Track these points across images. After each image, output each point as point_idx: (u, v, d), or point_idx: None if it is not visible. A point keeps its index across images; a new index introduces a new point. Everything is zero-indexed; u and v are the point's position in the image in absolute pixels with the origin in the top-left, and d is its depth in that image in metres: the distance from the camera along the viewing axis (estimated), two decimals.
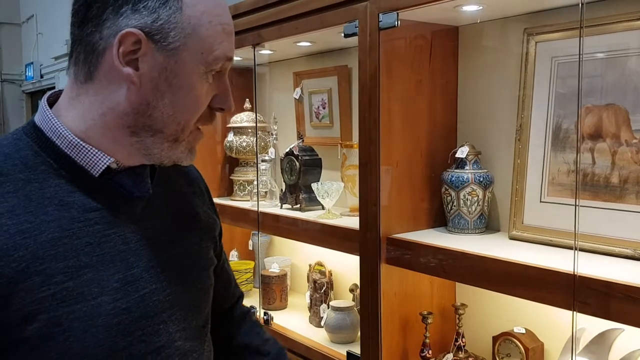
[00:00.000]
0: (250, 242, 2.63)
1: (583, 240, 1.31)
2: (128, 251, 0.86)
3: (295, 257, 2.52)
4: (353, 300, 2.05)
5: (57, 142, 0.84)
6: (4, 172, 0.80)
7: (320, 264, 2.26)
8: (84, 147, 0.84)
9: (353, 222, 1.74)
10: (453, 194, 1.59)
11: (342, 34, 1.64)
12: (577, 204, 1.31)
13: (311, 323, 2.18)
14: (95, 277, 0.81)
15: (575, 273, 1.17)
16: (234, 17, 1.99)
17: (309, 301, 2.23)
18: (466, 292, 1.73)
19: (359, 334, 1.69)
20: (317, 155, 2.19)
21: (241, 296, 1.23)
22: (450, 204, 1.61)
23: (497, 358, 1.53)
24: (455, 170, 1.60)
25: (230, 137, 2.52)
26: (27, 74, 7.55)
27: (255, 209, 2.18)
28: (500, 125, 1.63)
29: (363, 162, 1.60)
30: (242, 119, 2.50)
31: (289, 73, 2.43)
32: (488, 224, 1.64)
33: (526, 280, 1.26)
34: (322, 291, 2.16)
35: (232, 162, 2.62)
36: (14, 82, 7.98)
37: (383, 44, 1.53)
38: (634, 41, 1.29)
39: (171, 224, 0.96)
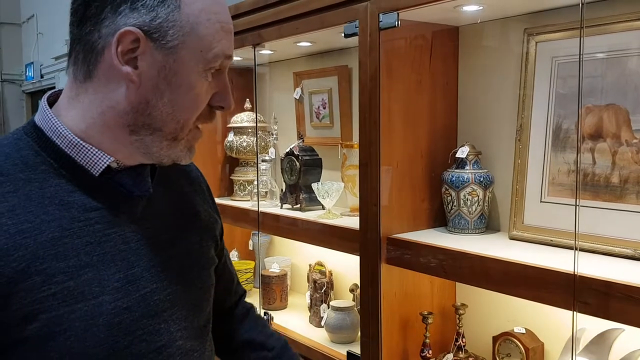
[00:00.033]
0: (251, 242, 2.63)
1: (583, 240, 1.31)
2: (129, 250, 0.86)
3: (296, 257, 2.52)
4: (353, 300, 2.05)
5: (57, 141, 0.84)
6: (4, 172, 0.81)
7: (320, 264, 2.26)
8: (84, 146, 0.84)
9: (353, 222, 1.74)
10: (453, 194, 1.59)
11: (343, 34, 1.64)
12: (577, 204, 1.31)
13: (311, 323, 2.18)
14: (96, 277, 0.81)
15: (576, 273, 1.17)
16: (235, 17, 2.01)
17: (309, 301, 2.23)
18: (466, 292, 1.73)
19: (359, 334, 1.69)
20: (318, 155, 2.19)
21: (244, 294, 1.23)
22: (451, 204, 1.61)
23: (498, 358, 1.53)
24: (455, 170, 1.60)
25: (231, 137, 2.52)
26: (27, 74, 7.55)
27: (256, 209, 2.19)
28: (500, 126, 1.63)
29: (363, 162, 1.60)
30: (243, 119, 2.50)
31: (289, 73, 2.43)
32: (488, 224, 1.64)
33: (526, 280, 1.26)
34: (322, 291, 2.16)
35: (233, 162, 2.62)
36: (14, 82, 7.98)
37: (383, 44, 1.53)
38: (634, 41, 1.29)
39: (171, 223, 0.96)
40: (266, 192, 2.33)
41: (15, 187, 0.80)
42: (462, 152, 1.60)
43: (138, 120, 0.84)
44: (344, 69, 2.16)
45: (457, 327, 1.64)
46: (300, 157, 2.15)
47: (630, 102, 1.30)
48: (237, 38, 2.02)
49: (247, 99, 2.51)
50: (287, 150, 2.21)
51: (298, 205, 2.15)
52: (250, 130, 2.49)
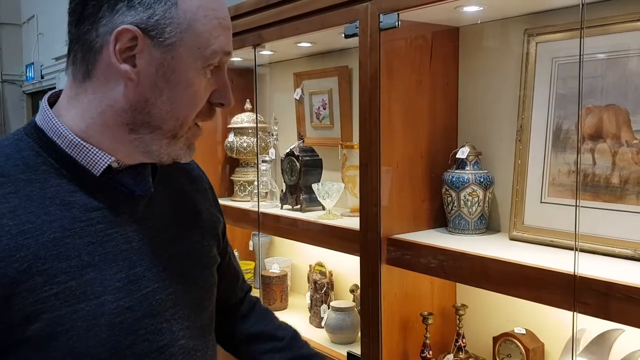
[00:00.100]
0: (251, 243, 2.63)
1: (583, 240, 1.31)
2: (130, 250, 0.86)
3: (296, 257, 2.52)
4: (353, 300, 2.05)
5: (57, 141, 0.84)
6: (5, 173, 0.81)
7: (320, 265, 2.26)
8: (84, 146, 0.84)
9: (353, 223, 1.74)
10: (453, 194, 1.59)
11: (343, 35, 1.64)
12: (577, 204, 1.31)
13: (311, 323, 2.18)
14: (98, 277, 0.81)
15: (576, 273, 1.17)
16: (235, 17, 2.01)
17: (309, 302, 2.23)
18: (466, 293, 1.73)
19: (360, 334, 1.69)
20: (318, 155, 2.19)
21: (249, 289, 1.24)
22: (451, 204, 1.61)
23: (498, 358, 1.53)
24: (455, 171, 1.60)
25: (231, 137, 2.53)
26: (27, 74, 7.56)
27: (256, 209, 2.19)
28: (500, 126, 1.63)
29: (363, 163, 1.60)
30: (243, 119, 2.50)
31: (289, 74, 2.43)
32: (488, 225, 1.64)
33: (526, 281, 1.26)
34: (323, 292, 2.16)
35: (233, 163, 2.62)
36: (14, 82, 7.99)
37: (384, 44, 1.53)
38: (634, 42, 1.29)
39: (173, 222, 0.96)
40: (266, 193, 2.34)
41: (17, 187, 0.80)
42: (463, 153, 1.60)
43: (137, 118, 0.84)
44: (344, 69, 2.16)
45: (458, 328, 1.64)
46: (300, 158, 2.15)
47: (631, 102, 1.30)
48: (238, 38, 2.02)
49: (248, 100, 2.51)
50: (288, 150, 2.21)
51: (298, 206, 2.15)
52: (250, 131, 2.49)
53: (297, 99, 2.38)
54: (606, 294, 1.12)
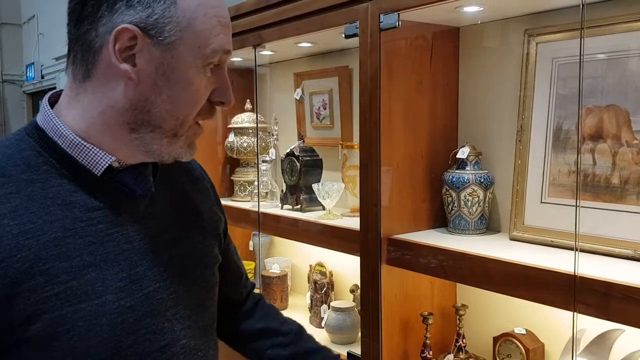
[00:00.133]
0: (251, 243, 2.64)
1: (583, 241, 1.31)
2: (131, 250, 0.86)
3: (296, 257, 2.52)
4: (353, 300, 2.05)
5: (58, 142, 0.84)
6: (6, 173, 0.81)
7: (320, 265, 2.26)
8: (85, 146, 0.84)
9: (354, 223, 1.74)
10: (454, 194, 1.59)
11: (343, 35, 1.64)
12: (577, 204, 1.31)
13: (312, 324, 2.18)
14: (99, 276, 0.81)
15: (576, 274, 1.17)
16: (235, 17, 2.01)
17: (309, 302, 2.23)
18: (467, 293, 1.73)
19: (360, 334, 1.69)
20: (318, 155, 2.19)
21: (253, 287, 1.24)
22: (451, 204, 1.61)
23: (498, 359, 1.53)
24: (456, 171, 1.60)
25: (231, 137, 2.53)
26: (28, 74, 7.56)
27: (256, 209, 2.19)
28: (501, 126, 1.63)
29: (364, 163, 1.60)
30: (243, 119, 2.50)
31: (289, 74, 2.43)
32: (489, 225, 1.64)
33: (527, 281, 1.26)
34: (323, 292, 2.16)
35: (233, 163, 2.62)
36: (14, 82, 7.99)
37: (384, 44, 1.53)
38: (634, 42, 1.29)
39: (174, 222, 0.96)
40: (266, 193, 2.34)
41: (18, 188, 0.80)
42: (463, 153, 1.60)
43: (137, 117, 0.84)
44: (345, 69, 2.16)
45: (458, 328, 1.64)
46: (300, 158, 2.15)
47: (631, 103, 1.30)
48: (238, 39, 2.02)
49: (248, 100, 2.51)
50: (288, 150, 2.21)
51: (298, 206, 2.15)
52: (250, 131, 2.49)
53: (298, 99, 2.38)
54: (606, 294, 1.12)
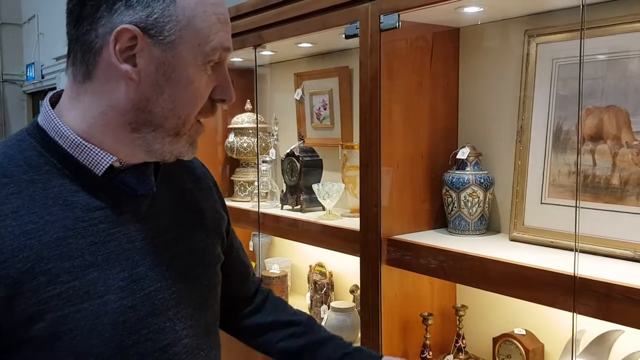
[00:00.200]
0: (251, 243, 2.63)
1: (583, 241, 1.31)
2: (133, 249, 0.86)
3: (296, 258, 2.52)
4: (353, 301, 2.05)
5: (60, 142, 0.84)
6: (7, 174, 0.81)
7: (320, 265, 2.26)
8: (86, 146, 0.84)
9: (354, 223, 1.74)
10: (454, 195, 1.59)
11: (343, 35, 1.64)
12: (577, 205, 1.31)
13: None
14: (101, 276, 0.81)
15: (576, 274, 1.17)
16: (236, 18, 2.01)
17: (309, 302, 2.23)
18: (466, 294, 1.73)
19: (360, 335, 1.69)
20: (318, 156, 2.19)
21: (260, 282, 1.24)
22: (451, 205, 1.61)
23: (498, 359, 1.53)
24: (456, 172, 1.60)
25: (231, 138, 2.53)
26: (28, 74, 7.56)
27: (256, 209, 2.19)
28: (501, 127, 1.63)
29: (364, 163, 1.60)
30: (243, 119, 2.50)
31: (289, 74, 2.43)
32: (489, 226, 1.64)
33: (526, 282, 1.26)
34: (323, 292, 2.16)
35: (233, 163, 2.62)
36: (15, 82, 7.99)
37: (384, 45, 1.53)
38: (634, 43, 1.29)
39: (176, 221, 0.96)
40: (267, 193, 2.34)
41: (19, 188, 0.80)
42: (463, 154, 1.60)
43: (139, 117, 0.84)
44: (345, 70, 2.17)
45: (457, 329, 1.65)
46: (300, 158, 2.15)
47: (631, 103, 1.30)
48: (238, 39, 2.03)
49: (248, 100, 2.51)
50: (288, 151, 2.21)
51: (298, 206, 2.15)
52: (250, 131, 2.50)
53: (298, 99, 2.38)
54: (606, 294, 1.12)
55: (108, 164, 0.85)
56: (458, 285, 1.75)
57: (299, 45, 2.11)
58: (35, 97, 7.80)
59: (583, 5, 1.21)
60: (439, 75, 1.69)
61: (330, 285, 2.18)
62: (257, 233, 2.42)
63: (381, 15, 1.51)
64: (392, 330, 1.62)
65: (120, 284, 0.83)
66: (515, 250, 1.43)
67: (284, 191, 2.24)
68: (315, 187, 2.02)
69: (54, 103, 0.89)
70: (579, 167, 1.38)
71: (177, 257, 0.93)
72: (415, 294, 1.67)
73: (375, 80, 1.55)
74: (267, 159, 2.41)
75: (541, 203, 1.47)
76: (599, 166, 1.35)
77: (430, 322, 1.62)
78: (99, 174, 0.85)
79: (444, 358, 1.65)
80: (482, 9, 1.51)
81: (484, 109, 1.68)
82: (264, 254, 2.60)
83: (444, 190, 1.63)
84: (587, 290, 1.15)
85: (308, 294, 2.24)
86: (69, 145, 0.84)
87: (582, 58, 1.25)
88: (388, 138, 1.57)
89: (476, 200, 1.58)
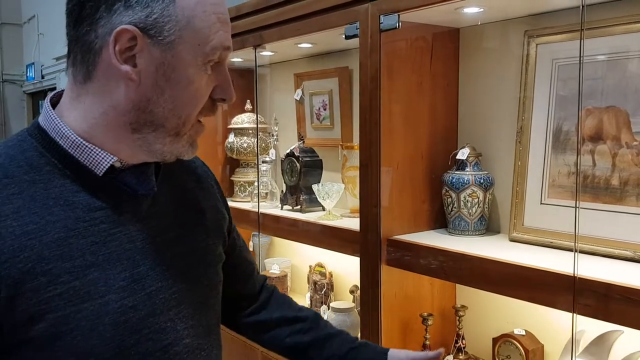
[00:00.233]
0: (251, 243, 2.63)
1: (583, 242, 1.31)
2: (134, 249, 0.86)
3: (296, 258, 2.52)
4: (353, 301, 2.05)
5: (60, 142, 0.84)
6: (9, 174, 0.81)
7: (320, 265, 2.26)
8: (87, 146, 0.84)
9: (353, 224, 1.74)
10: (453, 195, 1.59)
11: (343, 36, 1.64)
12: (577, 206, 1.31)
13: None
14: (102, 276, 0.81)
15: (576, 275, 1.18)
16: (236, 18, 2.01)
17: (309, 302, 2.23)
18: (466, 294, 1.73)
19: (359, 335, 1.69)
20: (318, 156, 2.20)
21: (265, 279, 1.24)
22: (451, 205, 1.61)
23: (497, 359, 1.53)
24: (455, 172, 1.60)
25: (231, 138, 2.53)
26: (28, 74, 7.56)
27: (256, 210, 2.19)
28: (500, 127, 1.63)
29: (364, 164, 1.60)
30: (243, 120, 2.50)
31: (289, 74, 2.43)
32: (488, 226, 1.64)
33: (526, 282, 1.26)
34: (323, 292, 2.16)
35: (233, 163, 2.62)
36: (15, 82, 7.99)
37: (384, 45, 1.54)
38: (634, 43, 1.29)
39: (177, 221, 0.96)
40: (266, 193, 2.34)
41: (20, 188, 0.80)
42: (463, 154, 1.60)
43: (140, 118, 0.84)
44: (345, 70, 2.17)
45: (457, 329, 1.65)
46: (300, 159, 2.15)
47: (631, 104, 1.30)
48: (238, 39, 2.03)
49: (248, 100, 2.51)
50: (288, 151, 2.21)
51: (298, 207, 2.15)
52: (250, 132, 2.50)
53: (298, 99, 2.38)
54: (606, 295, 1.13)
55: (109, 164, 0.85)
56: (458, 285, 1.75)
57: (299, 45, 2.12)
58: (35, 97, 7.80)
59: (583, 6, 1.21)
60: (439, 75, 1.69)
61: (330, 286, 2.18)
62: (257, 233, 2.42)
63: (381, 16, 1.51)
64: (392, 330, 1.62)
65: (121, 284, 0.83)
66: (515, 250, 1.43)
67: (284, 191, 2.24)
68: (315, 187, 2.02)
69: (54, 103, 0.89)
70: (578, 167, 1.38)
71: (178, 256, 0.93)
72: (415, 294, 1.67)
73: (375, 81, 1.55)
74: (267, 159, 2.41)
75: (541, 203, 1.47)
76: (599, 167, 1.35)
77: (430, 322, 1.62)
78: (100, 174, 0.85)
79: (443, 358, 1.65)
80: (482, 10, 1.51)
81: (484, 109, 1.68)
82: (264, 254, 2.60)
83: (443, 191, 1.63)
84: (587, 291, 1.15)
85: (308, 294, 2.24)
86: (70, 146, 0.84)
87: (581, 58, 1.25)
88: (388, 138, 1.57)
89: (476, 200, 1.58)
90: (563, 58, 1.43)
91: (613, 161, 1.33)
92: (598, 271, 1.19)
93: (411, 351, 1.13)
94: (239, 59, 2.40)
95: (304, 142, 2.24)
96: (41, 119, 0.87)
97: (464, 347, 1.64)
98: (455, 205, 1.60)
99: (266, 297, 1.20)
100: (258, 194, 2.27)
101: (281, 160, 2.27)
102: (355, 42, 1.62)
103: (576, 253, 1.20)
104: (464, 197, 1.58)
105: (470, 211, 1.59)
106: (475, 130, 1.70)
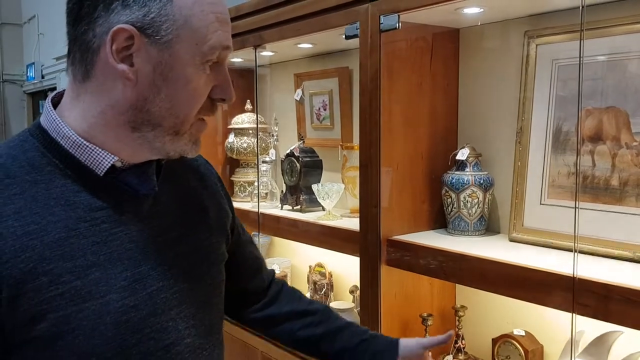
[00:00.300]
0: None
1: (583, 242, 1.31)
2: (135, 249, 0.86)
3: (296, 258, 2.52)
4: (353, 301, 2.05)
5: (61, 142, 0.84)
6: (10, 174, 0.81)
7: (320, 266, 2.26)
8: (87, 146, 0.84)
9: (353, 224, 1.74)
10: (453, 195, 1.59)
11: (343, 36, 1.64)
12: (577, 206, 1.31)
13: None
14: (103, 276, 0.81)
15: (575, 275, 1.18)
16: (236, 18, 2.01)
17: None
18: (466, 294, 1.73)
19: None
20: (318, 156, 2.20)
21: (274, 273, 1.24)
22: (451, 205, 1.61)
23: None
24: (455, 172, 1.60)
25: (231, 138, 2.53)
26: (28, 74, 7.56)
27: (256, 210, 2.19)
28: (500, 128, 1.63)
29: (363, 164, 1.60)
30: (243, 120, 2.50)
31: (289, 74, 2.43)
32: (488, 226, 1.64)
33: (526, 283, 1.26)
34: (322, 292, 2.16)
35: (233, 163, 2.62)
36: (15, 82, 7.99)
37: (384, 45, 1.54)
38: (634, 44, 1.29)
39: (179, 220, 0.95)
40: (266, 194, 2.34)
41: (22, 189, 0.80)
42: (463, 154, 1.60)
43: (138, 117, 0.83)
44: (345, 70, 2.17)
45: (457, 329, 1.65)
46: (300, 159, 2.15)
47: (631, 104, 1.30)
48: (238, 39, 2.03)
49: (248, 100, 2.51)
50: (288, 151, 2.21)
51: (298, 207, 2.15)
52: (250, 132, 2.50)
53: (298, 99, 2.38)
54: (605, 295, 1.13)
55: (109, 164, 0.85)
56: (457, 285, 1.75)
57: (299, 45, 2.12)
58: (36, 97, 7.80)
59: (583, 7, 1.21)
60: (439, 76, 1.69)
61: (330, 286, 2.18)
62: (257, 233, 2.42)
63: (381, 16, 1.51)
64: (392, 330, 1.62)
65: (122, 284, 0.83)
66: (514, 251, 1.43)
67: (284, 191, 2.24)
68: (315, 187, 2.02)
69: (55, 104, 0.89)
70: (578, 168, 1.38)
71: (181, 255, 0.93)
72: (414, 294, 1.67)
73: (375, 81, 1.55)
74: (267, 159, 2.41)
75: (540, 204, 1.47)
76: (599, 167, 1.35)
77: (429, 322, 1.62)
78: (101, 174, 0.85)
79: (443, 359, 1.65)
80: (482, 10, 1.51)
81: (484, 109, 1.68)
82: (264, 254, 2.60)
83: (443, 191, 1.63)
84: (586, 291, 1.15)
85: (308, 294, 2.24)
86: (71, 146, 0.84)
87: (581, 59, 1.25)
88: (388, 138, 1.57)
89: (476, 201, 1.58)
90: (563, 58, 1.43)
91: (613, 162, 1.33)
92: (597, 272, 1.19)
93: (422, 338, 1.14)
94: (239, 59, 2.40)
95: (304, 142, 2.24)
96: (42, 119, 0.87)
97: (463, 348, 1.64)
98: (455, 205, 1.60)
99: (276, 292, 1.20)
100: (258, 194, 2.27)
101: (281, 160, 2.27)
102: (355, 42, 1.62)
103: (576, 253, 1.20)
104: (464, 198, 1.58)
105: (470, 211, 1.59)
106: (475, 131, 1.71)
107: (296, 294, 1.22)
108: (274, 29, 1.92)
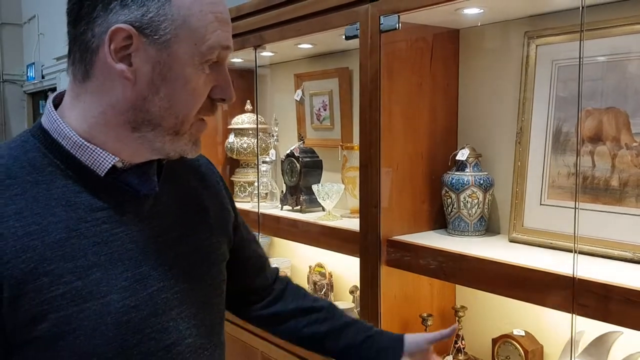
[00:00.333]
0: None
1: (583, 243, 1.31)
2: (136, 249, 0.86)
3: (296, 258, 2.52)
4: (353, 302, 2.05)
5: (62, 143, 0.84)
6: (12, 175, 0.81)
7: (320, 266, 2.26)
8: (88, 147, 0.84)
9: (353, 224, 1.74)
10: (453, 196, 1.59)
11: (343, 36, 1.64)
12: (577, 206, 1.31)
13: None
14: (104, 276, 0.81)
15: (575, 276, 1.18)
16: (236, 18, 2.02)
17: None
18: (466, 295, 1.73)
19: None
20: (318, 156, 2.20)
21: (278, 271, 1.24)
22: (451, 206, 1.61)
23: None
24: (455, 173, 1.61)
25: (231, 138, 2.53)
26: (28, 74, 7.56)
27: (256, 210, 2.19)
28: (500, 128, 1.63)
29: (363, 164, 1.61)
30: (243, 120, 2.51)
31: (290, 75, 2.43)
32: (488, 227, 1.64)
33: (526, 283, 1.26)
34: (322, 293, 2.16)
35: (233, 164, 2.62)
36: (15, 82, 7.99)
37: (384, 46, 1.54)
38: (634, 45, 1.29)
39: (180, 220, 0.95)
40: (266, 194, 2.34)
41: (23, 189, 0.80)
42: (463, 155, 1.60)
43: (137, 117, 0.83)
44: (345, 70, 2.17)
45: (457, 330, 1.65)
46: (300, 159, 2.15)
47: (630, 105, 1.30)
48: (239, 39, 2.03)
49: (248, 101, 2.51)
50: (288, 151, 2.21)
51: (298, 207, 2.15)
52: (250, 132, 2.50)
53: (298, 100, 2.38)
54: (605, 296, 1.13)
55: (110, 165, 0.85)
56: (457, 286, 1.75)
57: (299, 46, 2.12)
58: (36, 97, 7.80)
59: (583, 7, 1.21)
60: (439, 76, 1.69)
61: (330, 286, 2.18)
62: (257, 233, 2.42)
63: (381, 17, 1.51)
64: (392, 330, 1.61)
65: (123, 284, 0.83)
66: (514, 251, 1.43)
67: (284, 192, 2.24)
68: (315, 187, 2.02)
69: (57, 104, 0.89)
70: (578, 168, 1.38)
71: (181, 255, 0.93)
72: (414, 294, 1.67)
73: (375, 81, 1.55)
74: (267, 159, 2.41)
75: (540, 204, 1.47)
76: (598, 168, 1.35)
77: (429, 323, 1.62)
78: (102, 175, 0.85)
79: (443, 359, 1.65)
80: (482, 11, 1.51)
81: (484, 110, 1.69)
82: None
83: (443, 191, 1.63)
84: (586, 292, 1.16)
85: None
86: (72, 146, 0.84)
87: (581, 60, 1.25)
88: (388, 139, 1.57)
89: (476, 201, 1.58)
90: (563, 59, 1.44)
91: (612, 162, 1.33)
92: (597, 272, 1.19)
93: (427, 333, 1.14)
94: (239, 59, 2.40)
95: (304, 142, 2.24)
96: (43, 120, 0.87)
97: (463, 348, 1.64)
98: (455, 205, 1.60)
99: (281, 289, 1.20)
100: (258, 194, 2.27)
101: (281, 160, 2.27)
102: (355, 42, 1.62)
103: (575, 254, 1.20)
104: (464, 198, 1.58)
105: (470, 212, 1.59)
106: (475, 131, 1.71)
107: (301, 291, 1.22)
108: (274, 29, 1.92)
